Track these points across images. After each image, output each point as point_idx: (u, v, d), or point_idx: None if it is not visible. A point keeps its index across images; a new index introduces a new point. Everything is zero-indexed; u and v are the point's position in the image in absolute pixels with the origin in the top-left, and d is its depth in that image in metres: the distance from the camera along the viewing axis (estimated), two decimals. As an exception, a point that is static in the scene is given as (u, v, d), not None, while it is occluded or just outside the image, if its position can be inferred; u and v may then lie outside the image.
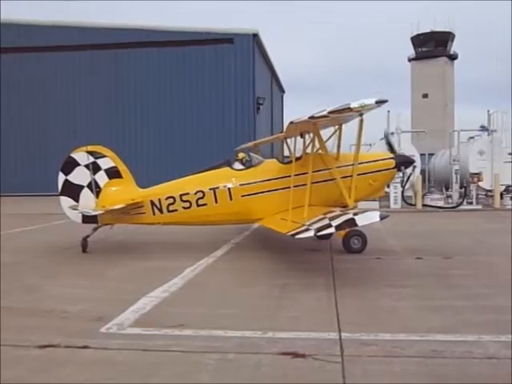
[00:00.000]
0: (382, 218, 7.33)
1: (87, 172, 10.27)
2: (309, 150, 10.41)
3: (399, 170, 12.14)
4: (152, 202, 10.16)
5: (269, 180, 10.37)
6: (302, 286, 7.09)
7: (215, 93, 36.37)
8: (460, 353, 4.37)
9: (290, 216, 9.05)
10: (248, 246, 11.12)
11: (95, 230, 10.37)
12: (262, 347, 4.58)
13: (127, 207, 10.04)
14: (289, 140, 11.64)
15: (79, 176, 10.27)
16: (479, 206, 21.58)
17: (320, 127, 9.78)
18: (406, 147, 24.06)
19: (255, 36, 36.65)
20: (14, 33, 37.17)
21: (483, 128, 25.99)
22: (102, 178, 10.30)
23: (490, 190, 22.89)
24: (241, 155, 11.81)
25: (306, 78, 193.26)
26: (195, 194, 10.17)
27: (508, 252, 9.63)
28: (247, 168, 10.71)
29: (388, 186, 19.53)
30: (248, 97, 36.51)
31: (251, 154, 11.46)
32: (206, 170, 10.74)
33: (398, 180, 20.71)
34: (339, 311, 5.72)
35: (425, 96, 73.08)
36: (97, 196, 10.23)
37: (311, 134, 10.16)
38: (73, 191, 10.25)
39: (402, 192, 21.70)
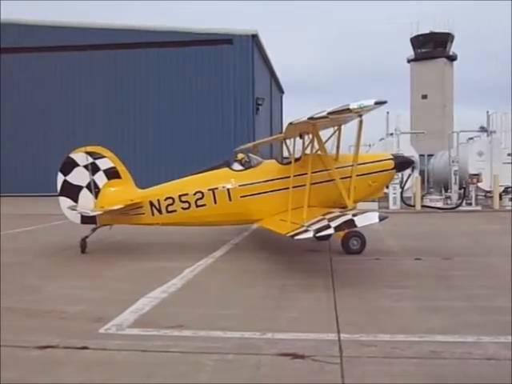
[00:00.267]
0: (381, 218, 7.33)
1: (86, 172, 10.26)
2: (308, 151, 10.40)
3: (398, 171, 12.15)
4: (151, 203, 10.15)
5: (268, 181, 10.37)
6: (301, 286, 7.09)
7: (214, 93, 36.37)
8: (459, 354, 4.37)
9: (290, 217, 9.05)
10: (247, 247, 11.12)
11: (94, 230, 10.36)
12: (261, 348, 4.58)
13: (126, 208, 10.04)
14: (288, 141, 11.63)
15: (78, 176, 10.26)
16: (478, 207, 21.59)
17: (319, 128, 9.78)
18: (405, 148, 24.08)
19: (254, 37, 36.67)
20: (13, 33, 37.16)
21: (482, 129, 26.01)
22: (100, 178, 10.29)
23: (489, 191, 22.91)
24: (240, 156, 11.80)
25: (306, 79, 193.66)
26: (194, 194, 10.17)
27: (507, 253, 9.64)
28: (246, 169, 10.70)
29: (387, 187, 19.54)
30: (247, 97, 36.51)
31: (250, 154, 11.47)
32: (205, 171, 10.74)
33: (397, 181, 20.73)
34: (338, 312, 5.72)
35: (424, 97, 73.18)
36: (96, 196, 10.23)
37: (310, 135, 10.16)
38: (72, 192, 10.24)
39: (401, 193, 21.71)
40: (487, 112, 25.82)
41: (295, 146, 11.17)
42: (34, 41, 37.06)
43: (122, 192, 10.25)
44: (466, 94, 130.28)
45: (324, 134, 10.53)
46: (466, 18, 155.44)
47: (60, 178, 10.34)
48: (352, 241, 9.55)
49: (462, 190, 22.10)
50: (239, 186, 10.32)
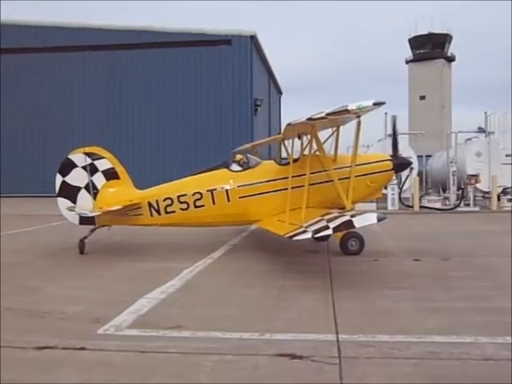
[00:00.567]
0: (380, 219, 7.33)
1: (85, 173, 10.26)
2: (306, 152, 10.41)
3: (397, 172, 12.16)
4: (150, 204, 10.15)
5: (266, 181, 10.38)
6: (299, 287, 7.09)
7: (213, 94, 36.37)
8: (458, 354, 4.38)
9: (288, 218, 9.05)
10: (245, 248, 11.12)
11: (93, 231, 10.36)
12: (259, 349, 4.58)
13: (125, 208, 10.03)
14: (286, 141, 11.65)
15: (77, 177, 10.26)
16: (476, 208, 21.62)
17: (318, 129, 9.79)
18: (404, 149, 24.10)
19: (253, 38, 36.70)
20: (13, 33, 37.15)
21: (480, 130, 26.06)
22: (99, 179, 10.29)
23: (488, 192, 22.94)
24: (238, 157, 11.80)
25: (305, 79, 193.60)
26: (193, 195, 10.17)
27: (505, 253, 9.66)
28: (245, 169, 10.70)
29: (385, 188, 19.56)
30: (245, 98, 36.52)
31: (249, 155, 11.47)
32: (204, 172, 10.74)
33: (396, 182, 20.76)
34: (337, 313, 5.72)
35: (422, 98, 73.24)
36: (94, 197, 10.22)
37: (309, 136, 10.16)
38: (70, 192, 10.24)
39: (400, 194, 21.74)
40: (485, 113, 25.88)
41: (294, 147, 11.17)
42: (34, 41, 37.05)
43: (120, 193, 10.25)
44: (464, 94, 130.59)
45: (322, 134, 10.54)
46: (464, 19, 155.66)
47: (58, 178, 10.33)
48: (350, 242, 9.56)
49: (460, 191, 22.14)
50: (238, 186, 10.32)
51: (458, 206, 21.45)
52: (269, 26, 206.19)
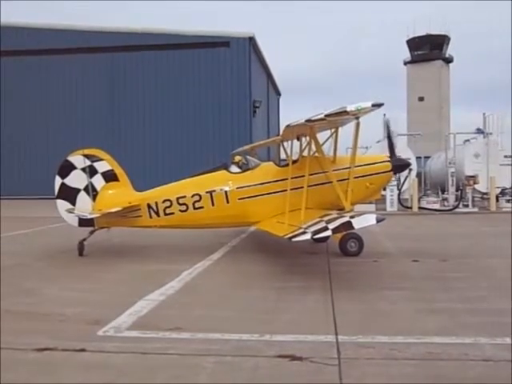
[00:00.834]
0: (379, 220, 7.33)
1: (84, 175, 10.26)
2: (305, 153, 10.42)
3: (395, 173, 12.17)
4: (149, 205, 10.15)
5: (265, 183, 10.38)
6: (298, 288, 7.10)
7: (211, 96, 36.41)
8: (457, 355, 4.38)
9: (287, 219, 9.06)
10: (245, 249, 11.12)
11: (92, 233, 10.36)
12: (259, 350, 4.58)
13: (124, 210, 10.03)
14: (285, 143, 11.65)
15: (76, 179, 10.26)
16: (475, 209, 21.66)
17: (317, 130, 9.80)
18: (402, 150, 24.12)
19: (251, 39, 36.76)
20: (13, 36, 37.17)
21: (479, 131, 26.10)
22: (98, 181, 10.29)
23: (486, 193, 22.97)
24: (237, 158, 11.81)
25: (304, 81, 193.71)
26: (192, 197, 10.17)
27: (504, 254, 9.67)
28: (244, 171, 10.71)
29: (384, 189, 19.59)
30: (244, 100, 36.57)
31: (248, 157, 11.47)
32: (203, 173, 10.75)
33: (395, 183, 20.78)
34: (336, 314, 5.72)
35: (421, 99, 73.33)
36: (93, 199, 10.22)
37: (308, 137, 10.17)
38: (69, 194, 10.24)
39: (399, 195, 21.76)
40: (483, 114, 25.93)
41: (292, 149, 11.18)
42: (33, 44, 37.08)
43: (119, 195, 10.25)
44: (463, 96, 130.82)
45: (321, 136, 10.55)
46: (463, 19, 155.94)
47: (58, 180, 10.33)
48: (350, 243, 9.57)
49: (459, 192, 22.17)
50: (237, 188, 10.33)
51: (457, 206, 21.48)
52: (268, 26, 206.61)
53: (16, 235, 14.25)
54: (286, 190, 9.87)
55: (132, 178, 10.68)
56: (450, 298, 6.43)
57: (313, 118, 8.26)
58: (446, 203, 22.64)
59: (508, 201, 21.96)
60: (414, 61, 75.34)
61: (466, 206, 21.66)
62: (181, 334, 5.09)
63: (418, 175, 26.62)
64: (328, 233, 7.54)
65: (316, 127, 9.38)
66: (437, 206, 21.96)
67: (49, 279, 8.10)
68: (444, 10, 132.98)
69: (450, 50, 75.36)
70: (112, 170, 10.40)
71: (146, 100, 37.05)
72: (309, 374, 4.05)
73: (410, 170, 19.52)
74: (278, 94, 56.68)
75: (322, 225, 7.70)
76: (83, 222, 10.14)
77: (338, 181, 9.98)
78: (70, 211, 10.07)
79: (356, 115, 8.30)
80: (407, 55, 76.68)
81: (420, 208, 21.59)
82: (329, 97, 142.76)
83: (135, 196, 10.37)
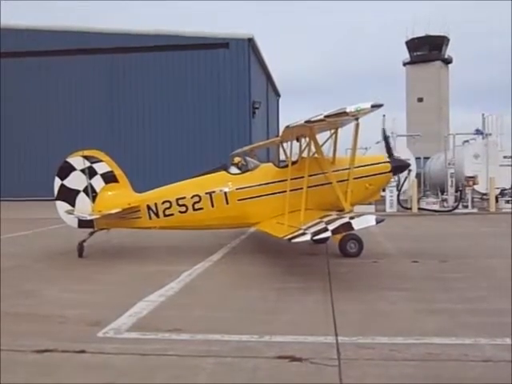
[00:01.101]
0: (378, 221, 7.33)
1: (83, 176, 10.25)
2: (305, 154, 10.43)
3: (395, 174, 12.17)
4: (148, 207, 10.15)
5: (265, 184, 10.38)
6: (298, 289, 7.09)
7: (211, 97, 36.43)
8: (457, 356, 4.39)
9: (287, 220, 9.06)
10: (244, 250, 11.12)
11: (91, 234, 10.35)
12: (259, 351, 4.58)
13: (123, 212, 10.03)
14: (285, 144, 11.66)
15: (75, 181, 10.25)
16: (474, 210, 21.66)
17: (316, 131, 9.81)
18: (402, 151, 24.14)
19: (250, 40, 36.79)
20: (13, 37, 37.18)
21: (478, 131, 26.12)
22: (98, 182, 10.28)
23: (486, 194, 22.99)
24: (237, 159, 11.82)
25: (304, 81, 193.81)
26: (191, 198, 10.17)
27: (504, 254, 9.68)
28: (243, 172, 10.71)
29: (384, 190, 19.60)
30: (244, 101, 36.58)
31: (247, 158, 11.48)
32: (202, 175, 10.74)
33: (394, 184, 20.79)
34: (336, 315, 5.72)
35: (420, 100, 73.38)
36: (93, 200, 10.22)
37: (307, 138, 10.18)
38: (69, 196, 10.23)
39: (398, 196, 21.76)
40: (483, 115, 25.95)
41: (292, 150, 11.18)
42: (33, 46, 37.09)
43: (119, 196, 10.25)
44: (462, 96, 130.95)
45: (321, 137, 10.55)
46: (462, 20, 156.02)
47: (57, 182, 10.33)
48: (349, 244, 9.57)
49: (458, 193, 22.17)
50: (236, 189, 10.33)
51: (456, 207, 21.48)
52: (268, 27, 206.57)
53: (16, 237, 14.25)
54: (285, 191, 9.87)
55: (131, 180, 10.68)
56: (450, 299, 6.43)
57: (312, 119, 8.26)
58: (445, 204, 22.65)
59: (507, 201, 21.97)
60: (413, 62, 75.39)
61: (466, 206, 21.67)
62: (180, 335, 5.09)
63: (418, 176, 26.63)
64: (328, 234, 7.55)
65: (315, 128, 9.38)
66: (436, 207, 21.98)
67: (49, 281, 8.10)
68: (444, 9, 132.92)
69: (449, 51, 75.51)
70: (111, 172, 10.40)
71: (146, 101, 37.06)
72: (309, 375, 4.05)
73: (410, 170, 19.51)
74: (278, 95, 56.70)
75: (322, 226, 7.70)
76: (83, 224, 10.13)
77: (337, 182, 9.98)
78: (69, 212, 10.06)
79: (355, 116, 8.31)
80: (406, 56, 76.78)
81: (419, 209, 21.59)
82: (328, 97, 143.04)
83: (135, 197, 10.37)
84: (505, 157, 24.88)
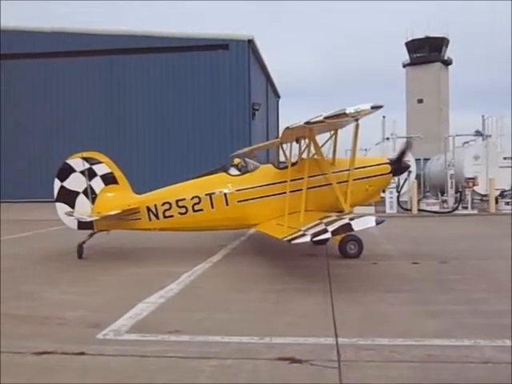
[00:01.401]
0: (378, 222, 7.33)
1: (83, 178, 10.25)
2: (305, 156, 10.43)
3: (395, 175, 12.16)
4: (148, 208, 10.15)
5: (265, 185, 10.37)
6: (298, 291, 7.09)
7: (210, 98, 36.44)
8: (456, 357, 4.38)
9: (286, 221, 9.06)
10: (244, 252, 11.11)
11: (91, 235, 10.35)
12: (259, 353, 4.58)
13: (123, 213, 10.02)
14: (285, 145, 11.66)
15: (75, 182, 10.25)
16: (474, 211, 21.67)
17: (316, 132, 9.81)
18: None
19: (250, 42, 36.80)
20: (12, 39, 37.20)
21: (478, 133, 26.14)
22: (97, 184, 10.28)
23: (486, 195, 22.99)
24: (236, 161, 11.81)
25: (303, 83, 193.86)
26: (191, 199, 10.17)
27: (504, 256, 9.67)
28: (243, 173, 10.71)
29: (383, 191, 19.59)
30: (243, 103, 36.59)
31: (247, 159, 11.48)
32: (202, 176, 10.75)
33: (394, 185, 20.78)
34: (336, 316, 5.72)
35: (420, 101, 73.45)
36: (93, 202, 10.22)
37: (307, 140, 10.18)
38: (68, 197, 10.23)
39: (398, 197, 21.76)
40: (482, 116, 25.97)
41: (292, 151, 11.18)
42: (33, 47, 37.11)
43: (119, 197, 10.24)
44: (462, 98, 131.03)
45: (320, 138, 10.55)
46: (462, 21, 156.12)
47: (57, 183, 10.33)
48: (349, 245, 9.57)
49: (458, 194, 22.18)
50: (236, 190, 10.32)
51: (456, 209, 21.48)
52: (268, 27, 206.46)
53: (16, 238, 14.24)
54: (285, 193, 9.87)
55: (131, 181, 10.68)
56: (450, 300, 6.43)
57: (312, 121, 8.25)
58: (445, 205, 22.66)
59: (507, 203, 21.98)
60: (413, 63, 75.48)
61: (466, 207, 21.68)
62: (180, 336, 5.09)
63: (418, 177, 26.64)
64: (327, 235, 7.54)
65: (315, 129, 9.38)
66: (436, 208, 21.98)
67: (48, 282, 8.09)
68: (443, 9, 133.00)
69: (448, 53, 75.61)
70: (111, 173, 10.40)
71: (146, 103, 37.07)
72: (309, 377, 4.05)
73: (410, 172, 19.51)
74: (278, 96, 56.70)
75: (322, 227, 7.69)
76: (82, 225, 10.13)
77: (337, 183, 9.98)
78: (69, 214, 10.06)
79: (355, 117, 8.32)
80: (406, 57, 76.85)
81: (419, 210, 21.59)
82: (328, 99, 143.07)
83: (134, 199, 10.37)
84: (505, 158, 24.89)
